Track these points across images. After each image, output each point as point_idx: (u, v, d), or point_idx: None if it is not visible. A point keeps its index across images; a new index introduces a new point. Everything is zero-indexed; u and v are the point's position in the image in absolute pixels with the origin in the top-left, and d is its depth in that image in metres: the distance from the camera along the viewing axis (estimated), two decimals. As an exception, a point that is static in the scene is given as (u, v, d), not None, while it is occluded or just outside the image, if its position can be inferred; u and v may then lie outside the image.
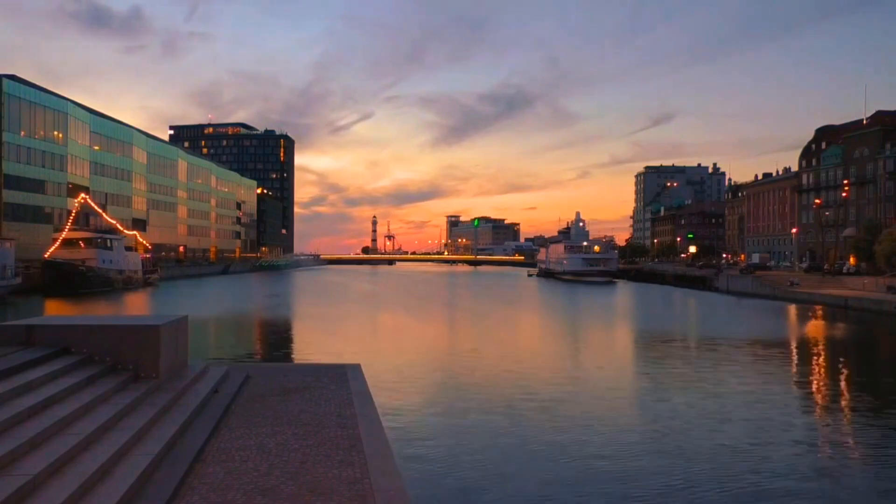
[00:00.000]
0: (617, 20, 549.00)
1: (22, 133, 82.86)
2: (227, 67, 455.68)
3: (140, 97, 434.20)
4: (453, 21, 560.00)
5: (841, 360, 30.60)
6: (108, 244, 76.69)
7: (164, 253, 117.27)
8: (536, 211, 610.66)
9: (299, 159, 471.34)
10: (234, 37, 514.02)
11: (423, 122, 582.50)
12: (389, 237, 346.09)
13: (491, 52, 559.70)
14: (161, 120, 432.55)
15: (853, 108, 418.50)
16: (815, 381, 24.41)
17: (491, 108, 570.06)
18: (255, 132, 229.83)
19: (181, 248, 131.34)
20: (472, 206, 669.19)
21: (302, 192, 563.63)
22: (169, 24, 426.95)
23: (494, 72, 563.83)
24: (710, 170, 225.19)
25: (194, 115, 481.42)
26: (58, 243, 72.55)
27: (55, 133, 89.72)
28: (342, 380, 13.12)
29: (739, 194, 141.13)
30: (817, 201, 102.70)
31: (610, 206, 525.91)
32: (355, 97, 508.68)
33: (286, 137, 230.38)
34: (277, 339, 36.40)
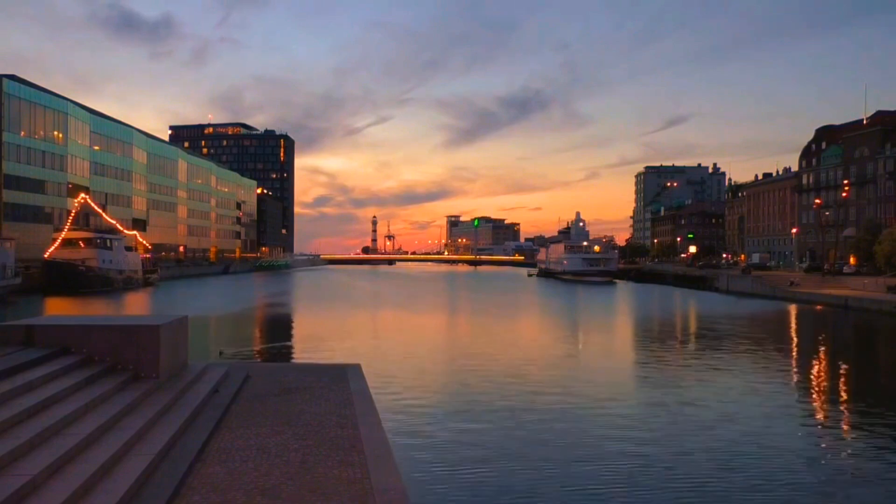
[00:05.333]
0: (638, 25, 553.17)
1: (22, 133, 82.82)
2: (252, 73, 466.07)
3: (165, 101, 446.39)
4: (479, 26, 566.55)
5: (841, 359, 30.59)
6: (108, 244, 76.64)
7: (164, 253, 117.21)
8: (542, 211, 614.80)
9: (312, 161, 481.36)
10: (263, 43, 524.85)
11: (437, 125, 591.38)
12: (389, 237, 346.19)
13: (513, 56, 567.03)
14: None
15: (853, 108, 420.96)
16: (813, 380, 24.40)
17: (506, 111, 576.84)
18: (255, 132, 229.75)
19: (181, 248, 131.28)
20: (478, 207, 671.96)
21: (310, 192, 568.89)
22: (199, 31, 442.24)
23: (515, 75, 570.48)
24: (710, 170, 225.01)
25: (215, 121, 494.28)
26: (58, 243, 72.53)
27: (55, 133, 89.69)
28: (342, 379, 13.12)
29: (739, 194, 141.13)
30: (817, 201, 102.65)
31: (615, 206, 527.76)
32: (375, 101, 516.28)
33: (286, 137, 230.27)
34: (277, 339, 36.40)
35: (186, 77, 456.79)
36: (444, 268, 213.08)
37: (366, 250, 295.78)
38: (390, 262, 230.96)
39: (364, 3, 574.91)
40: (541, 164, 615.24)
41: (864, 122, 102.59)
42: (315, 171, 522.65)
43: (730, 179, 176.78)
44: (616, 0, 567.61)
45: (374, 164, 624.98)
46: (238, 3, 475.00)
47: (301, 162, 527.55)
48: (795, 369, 27.01)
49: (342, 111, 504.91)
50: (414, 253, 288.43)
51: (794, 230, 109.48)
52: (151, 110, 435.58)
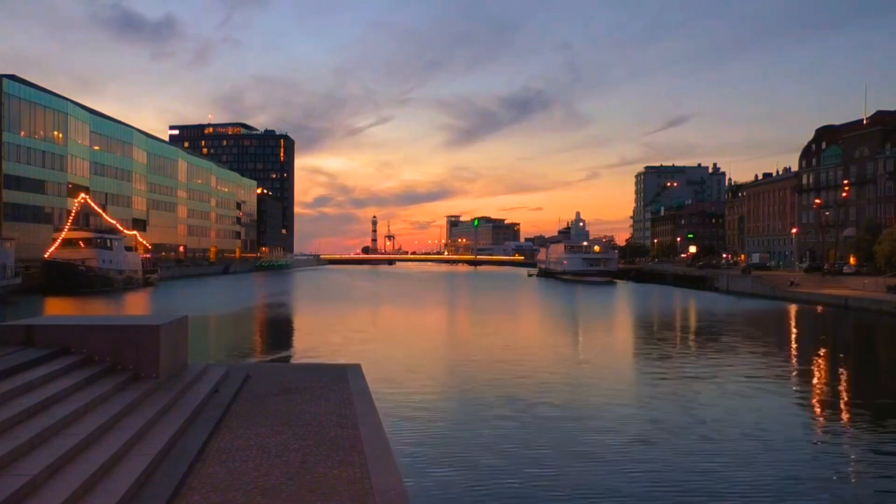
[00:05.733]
0: (638, 25, 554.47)
1: (22, 133, 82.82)
2: (253, 74, 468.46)
3: (166, 101, 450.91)
4: (479, 26, 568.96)
5: (840, 359, 30.60)
6: (108, 244, 76.66)
7: (164, 253, 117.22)
8: (542, 211, 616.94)
9: (313, 161, 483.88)
10: (265, 44, 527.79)
11: (438, 125, 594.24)
12: (389, 237, 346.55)
13: (513, 57, 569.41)
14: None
15: (853, 108, 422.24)
16: (813, 380, 24.39)
17: (506, 111, 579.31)
18: (255, 132, 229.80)
19: (181, 248, 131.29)
20: (478, 207, 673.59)
21: (310, 192, 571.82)
22: (201, 31, 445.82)
23: (516, 75, 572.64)
24: (710, 170, 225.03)
25: (215, 121, 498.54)
26: (58, 243, 72.56)
27: (55, 133, 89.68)
28: (342, 380, 13.12)
29: (739, 194, 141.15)
30: (817, 201, 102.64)
31: (615, 206, 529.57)
32: (376, 101, 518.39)
33: (286, 137, 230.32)
34: (277, 339, 36.40)
35: (188, 77, 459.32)
36: (444, 268, 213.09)
37: (366, 250, 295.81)
38: (390, 262, 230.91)
39: (365, 3, 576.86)
40: (541, 164, 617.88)
41: (864, 122, 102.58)
42: (315, 171, 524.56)
43: (730, 179, 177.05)
44: (617, 0, 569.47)
45: (374, 165, 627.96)
46: (240, 3, 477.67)
47: (301, 162, 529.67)
48: (794, 369, 27.00)
49: (343, 111, 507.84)
50: (414, 253, 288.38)
51: (794, 230, 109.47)
52: (152, 111, 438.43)
